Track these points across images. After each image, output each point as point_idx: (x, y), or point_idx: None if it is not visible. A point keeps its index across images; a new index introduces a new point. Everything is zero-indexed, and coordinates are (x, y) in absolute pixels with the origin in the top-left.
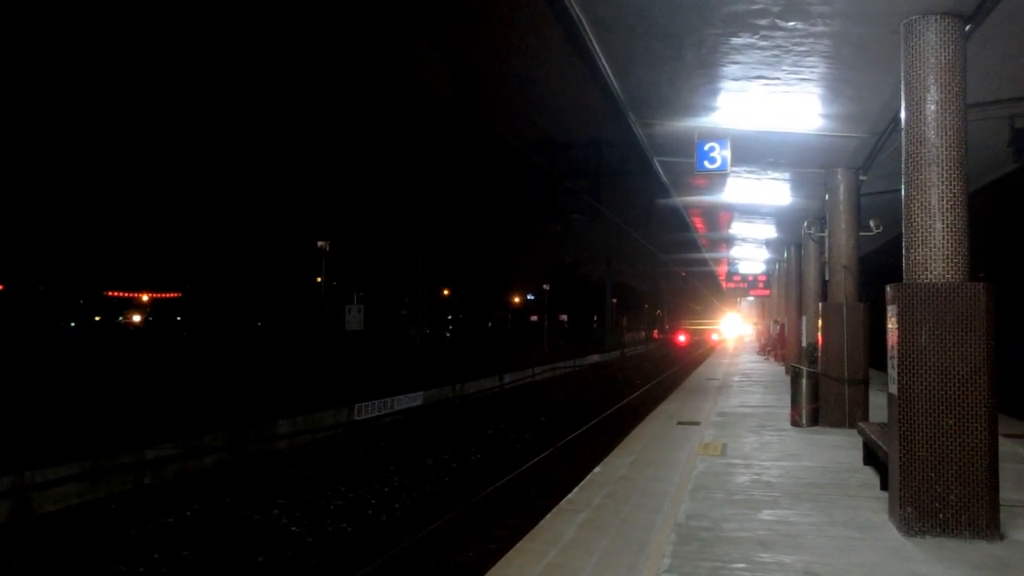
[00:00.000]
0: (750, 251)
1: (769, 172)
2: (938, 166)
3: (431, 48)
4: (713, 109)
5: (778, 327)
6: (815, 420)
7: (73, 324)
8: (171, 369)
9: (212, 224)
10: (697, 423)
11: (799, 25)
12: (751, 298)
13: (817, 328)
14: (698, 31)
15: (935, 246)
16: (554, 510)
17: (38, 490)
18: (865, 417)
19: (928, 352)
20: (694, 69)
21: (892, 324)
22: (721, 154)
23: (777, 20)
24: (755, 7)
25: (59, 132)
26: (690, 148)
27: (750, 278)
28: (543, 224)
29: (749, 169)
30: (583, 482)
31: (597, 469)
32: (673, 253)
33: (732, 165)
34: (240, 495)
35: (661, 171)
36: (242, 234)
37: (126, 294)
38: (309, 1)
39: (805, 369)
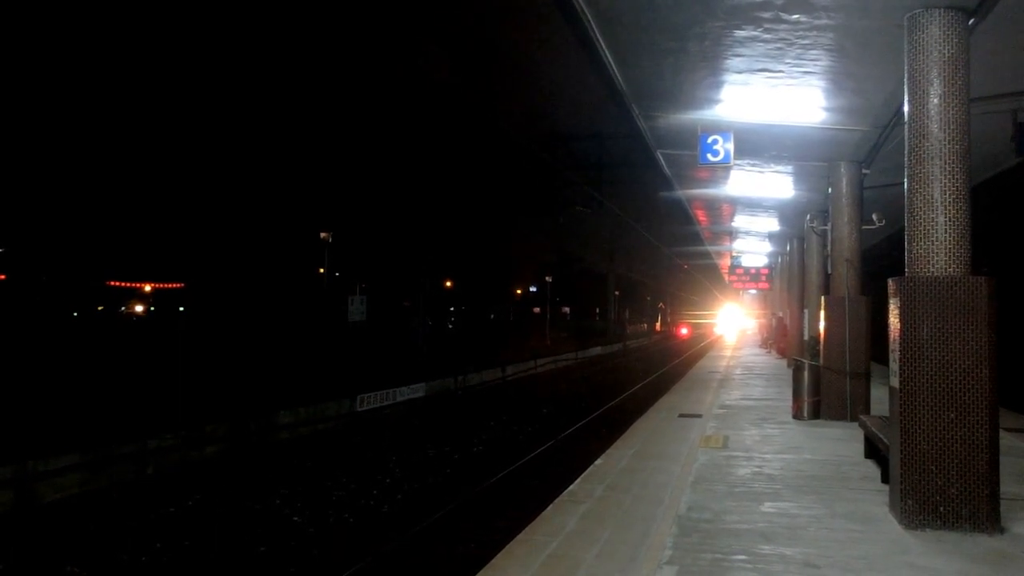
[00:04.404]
0: (753, 244)
1: (772, 165)
2: (941, 160)
3: (434, 40)
4: (716, 102)
5: (775, 320)
6: (817, 413)
7: (76, 314)
8: (173, 359)
9: (215, 215)
10: (699, 416)
11: (802, 18)
12: (753, 291)
13: (819, 321)
14: (701, 24)
15: (937, 240)
16: (555, 501)
17: (41, 479)
18: (867, 410)
19: (930, 346)
20: (697, 62)
21: (894, 318)
22: (724, 147)
23: (780, 13)
24: (758, 0)
25: (61, 122)
26: (693, 141)
27: (752, 271)
28: (546, 216)
29: (752, 162)
30: (585, 474)
31: (599, 461)
32: (676, 246)
33: (735, 158)
34: (242, 485)
35: (664, 164)
36: (245, 225)
37: (128, 284)
38: None
39: (807, 362)
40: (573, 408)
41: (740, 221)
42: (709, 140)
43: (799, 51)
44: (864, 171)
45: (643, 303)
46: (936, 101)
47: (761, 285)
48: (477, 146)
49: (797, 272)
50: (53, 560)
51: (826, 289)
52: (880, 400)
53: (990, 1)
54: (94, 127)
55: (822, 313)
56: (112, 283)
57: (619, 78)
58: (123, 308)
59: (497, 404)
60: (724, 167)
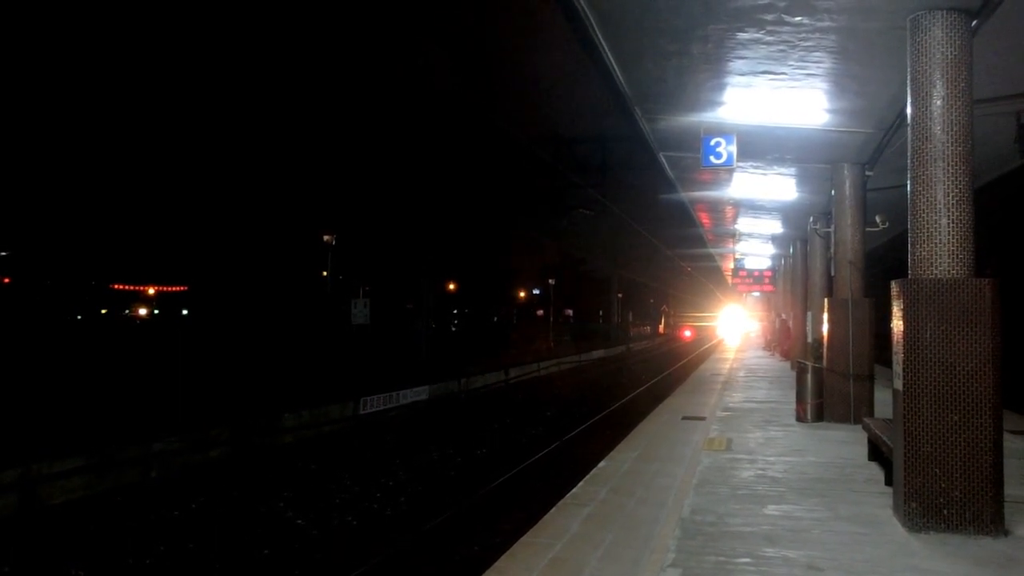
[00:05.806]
0: (756, 246)
1: (775, 167)
2: (944, 161)
3: (435, 42)
4: (719, 104)
5: (779, 322)
6: (820, 416)
7: (79, 317)
8: (177, 362)
9: (218, 218)
10: (702, 418)
11: (805, 20)
12: (757, 294)
13: (822, 324)
14: (704, 26)
15: (941, 242)
16: (559, 504)
17: (45, 482)
18: (870, 413)
19: (933, 348)
20: (700, 64)
21: (897, 320)
22: (727, 149)
23: (783, 15)
24: (761, 2)
25: (64, 125)
26: (696, 143)
27: (756, 273)
28: (549, 219)
29: (755, 164)
30: (588, 476)
31: (602, 464)
32: (679, 248)
33: (738, 160)
34: (245, 488)
35: (667, 166)
36: (248, 228)
37: (132, 287)
38: None
39: (810, 365)
40: (576, 411)
41: (743, 223)
42: (712, 142)
43: (802, 53)
44: (867, 173)
45: (646, 305)
46: (939, 103)
47: (764, 287)
48: (479, 149)
49: (800, 274)
50: (58, 563)
51: (829, 291)
52: (884, 402)
53: (993, 3)
54: (97, 131)
55: (825, 315)
56: (116, 286)
57: (621, 81)
58: (127, 311)
59: (500, 407)
60: (727, 169)
